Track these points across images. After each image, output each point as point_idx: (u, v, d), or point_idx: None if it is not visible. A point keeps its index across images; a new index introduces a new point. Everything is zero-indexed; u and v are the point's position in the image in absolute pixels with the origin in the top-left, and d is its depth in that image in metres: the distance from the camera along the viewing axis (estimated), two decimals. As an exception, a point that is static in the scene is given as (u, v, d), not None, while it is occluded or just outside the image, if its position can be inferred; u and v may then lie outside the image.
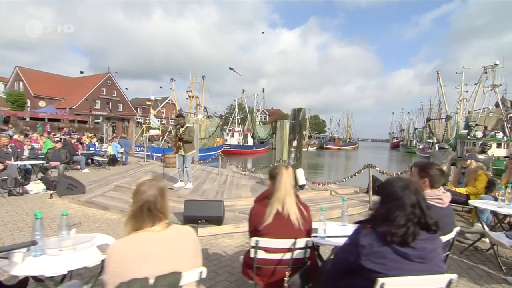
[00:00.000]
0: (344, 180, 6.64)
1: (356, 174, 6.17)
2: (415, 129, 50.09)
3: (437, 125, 29.13)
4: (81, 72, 47.96)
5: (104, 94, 43.48)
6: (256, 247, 1.82)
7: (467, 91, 26.16)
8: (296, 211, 1.83)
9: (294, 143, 6.81)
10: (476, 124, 21.61)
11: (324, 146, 58.99)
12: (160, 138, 31.19)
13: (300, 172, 6.47)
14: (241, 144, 38.42)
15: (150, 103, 27.69)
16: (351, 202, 5.42)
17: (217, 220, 4.02)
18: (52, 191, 5.75)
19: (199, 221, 4.00)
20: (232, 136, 38.66)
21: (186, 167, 6.15)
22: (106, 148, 11.16)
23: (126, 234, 1.27)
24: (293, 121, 6.80)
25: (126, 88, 47.00)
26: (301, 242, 1.82)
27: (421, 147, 45.01)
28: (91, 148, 10.84)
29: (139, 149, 17.29)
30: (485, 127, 21.52)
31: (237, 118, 41.54)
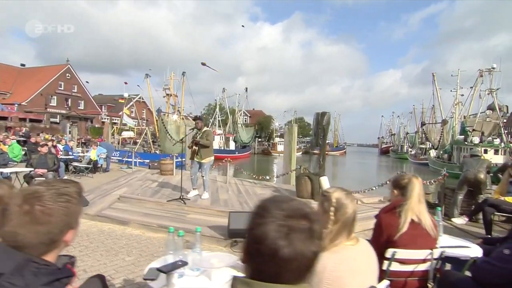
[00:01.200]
0: (374, 188, 6.95)
1: (388, 182, 6.47)
2: (407, 133, 52.85)
3: (432, 130, 30.89)
4: (23, 65, 43.78)
5: (62, 89, 41.33)
6: (391, 259, 1.94)
7: (462, 95, 28.20)
8: (429, 220, 1.98)
9: (317, 150, 6.97)
10: (474, 130, 23.27)
11: (311, 151, 60.23)
12: (132, 141, 30.42)
13: (325, 180, 6.66)
14: (222, 148, 38.26)
15: (123, 101, 26.83)
16: (376, 213, 5.65)
17: (265, 234, 4.08)
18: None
19: (246, 235, 4.03)
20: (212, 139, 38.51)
21: (203, 176, 6.18)
22: (87, 152, 10.71)
23: (326, 248, 1.35)
24: (317, 126, 6.98)
25: (86, 82, 44.75)
26: (436, 252, 1.98)
27: (413, 153, 47.62)
28: (69, 153, 10.35)
29: (116, 154, 16.69)
30: (482, 133, 23.25)
31: (218, 120, 41.34)
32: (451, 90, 29.34)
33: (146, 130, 24.77)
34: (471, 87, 27.12)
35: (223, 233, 4.26)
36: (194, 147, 5.98)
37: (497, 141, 22.30)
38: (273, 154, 51.59)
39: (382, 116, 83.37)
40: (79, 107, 42.79)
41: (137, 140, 30.30)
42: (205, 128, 6.29)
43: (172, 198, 5.89)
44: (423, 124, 32.17)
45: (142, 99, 44.90)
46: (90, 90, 45.55)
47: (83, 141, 25.62)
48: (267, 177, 8.80)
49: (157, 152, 24.03)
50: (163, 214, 5.20)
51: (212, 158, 6.28)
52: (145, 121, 34.67)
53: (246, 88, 50.30)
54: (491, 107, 33.00)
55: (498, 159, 21.61)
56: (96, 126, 40.34)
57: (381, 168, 40.14)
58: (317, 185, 6.57)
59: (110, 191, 6.97)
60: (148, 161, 13.05)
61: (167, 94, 28.79)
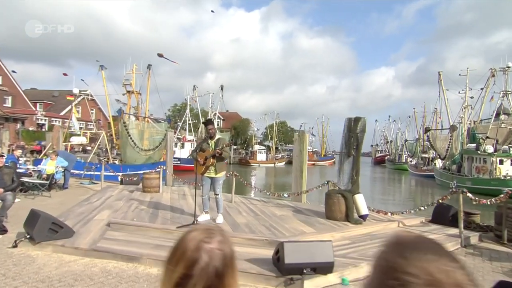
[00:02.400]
0: (422, 208, 7.07)
1: (440, 201, 6.61)
2: (405, 141, 55.03)
3: (438, 137, 32.41)
4: None
5: (-18, 81, 38.67)
6: None
7: (472, 97, 29.94)
8: None
9: (348, 162, 7.00)
10: (487, 137, 24.69)
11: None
12: (81, 149, 28.98)
13: (361, 199, 6.70)
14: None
15: (71, 98, 25.53)
16: (433, 238, 5.76)
17: (328, 268, 3.97)
18: (20, 238, 4.94)
19: (304, 270, 3.88)
20: (183, 147, 37.90)
21: (216, 194, 6.05)
22: (41, 164, 9.98)
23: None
24: (348, 134, 7.02)
25: (13, 71, 41.75)
26: None
27: (413, 163, 49.76)
28: (17, 165, 9.58)
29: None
30: (497, 140, 24.72)
31: (188, 123, 40.67)
32: (459, 92, 31.11)
33: (103, 135, 23.70)
34: (482, 89, 28.87)
35: (271, 268, 4.07)
36: (212, 159, 5.77)
37: (514, 150, 23.70)
38: (252, 164, 52.02)
39: (376, 120, 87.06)
40: (5, 104, 40.10)
41: (88, 147, 29.01)
42: (218, 135, 6.14)
43: (183, 224, 5.60)
44: (427, 130, 33.54)
45: (91, 96, 43.14)
46: (19, 82, 42.80)
47: (13, 148, 24.03)
48: (285, 194, 8.70)
49: (116, 162, 23.11)
50: (177, 245, 4.88)
51: (225, 171, 6.18)
52: (94, 124, 33.19)
53: (222, 86, 49.76)
54: (499, 112, 35.35)
55: (516, 171, 23.01)
56: (30, 129, 38.03)
57: (377, 181, 41.56)
58: (352, 204, 6.58)
59: (89, 215, 6.58)
60: (120, 175, 12.49)
61: (128, 92, 27.94)
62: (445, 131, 32.82)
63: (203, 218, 6.06)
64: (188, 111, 41.99)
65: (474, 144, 27.13)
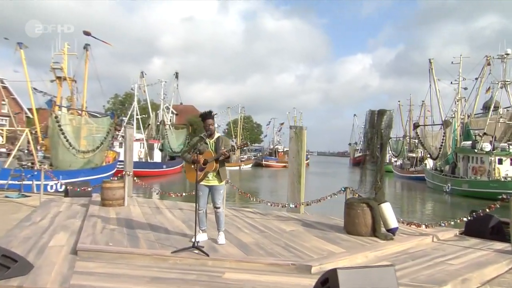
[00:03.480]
0: (465, 220, 7.06)
1: (489, 210, 6.64)
2: (389, 138, 57.28)
3: (428, 134, 33.90)
4: None
5: None
6: None
7: (465, 88, 31.65)
8: None
9: (371, 165, 6.94)
10: (485, 133, 26.15)
11: (264, 162, 61.47)
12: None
13: (389, 209, 6.63)
14: (144, 160, 36.48)
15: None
16: (480, 255, 5.78)
17: (392, 300, 3.72)
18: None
19: (365, 305, 3.62)
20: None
21: (217, 207, 5.76)
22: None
23: None
24: (371, 130, 6.91)
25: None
26: None
27: (398, 163, 51.98)
28: None
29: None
30: (494, 137, 26.23)
31: (136, 119, 39.15)
32: (451, 82, 32.78)
33: (27, 133, 22.09)
34: (476, 78, 30.57)
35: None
36: (215, 164, 5.48)
37: (514, 148, 25.21)
38: None
39: (355, 115, 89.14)
40: None
41: (2, 149, 26.87)
42: (218, 134, 5.89)
43: (178, 247, 5.12)
44: (416, 125, 34.92)
45: (2, 83, 40.04)
46: None
47: None
48: (291, 205, 8.47)
49: (46, 167, 21.61)
50: (180, 275, 4.44)
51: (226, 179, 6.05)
52: (14, 118, 30.82)
53: (177, 74, 48.74)
54: (489, 105, 37.58)
55: (517, 172, 24.54)
56: None
57: (356, 185, 42.54)
58: (379, 216, 6.48)
59: (39, 240, 5.92)
60: (64, 182, 11.67)
61: (58, 78, 26.24)
62: (436, 127, 34.41)
63: (201, 238, 5.69)
64: (135, 103, 40.28)
65: (470, 142, 28.58)
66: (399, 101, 56.19)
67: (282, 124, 72.02)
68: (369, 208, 6.48)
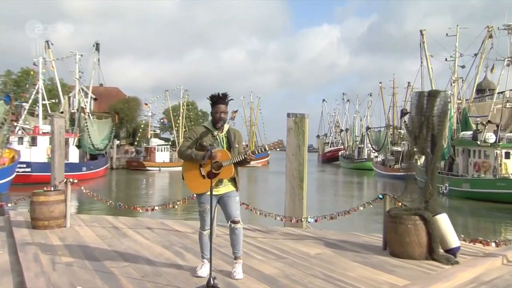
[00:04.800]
0: None
1: None
2: (367, 129, 58.76)
3: (418, 123, 34.94)
4: None
5: None
6: None
7: (463, 67, 32.72)
8: None
9: (420, 164, 6.59)
10: (489, 121, 27.12)
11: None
12: None
13: (446, 222, 6.35)
14: (56, 161, 34.57)
15: None
16: None
17: None
18: None
19: None
20: (34, 143, 34.83)
21: (235, 221, 5.14)
22: None
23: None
24: (419, 118, 6.71)
25: None
26: None
27: (379, 159, 53.43)
28: None
29: None
30: (498, 126, 27.25)
31: (43, 104, 36.79)
32: (446, 59, 33.79)
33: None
34: (475, 54, 31.65)
35: None
36: (232, 168, 5.00)
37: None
38: (148, 168, 50.77)
39: (324, 100, 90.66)
40: None
41: None
42: (227, 125, 5.28)
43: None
44: (404, 112, 35.69)
45: None
46: None
47: None
48: (309, 219, 7.99)
49: None
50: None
51: None
52: None
53: (97, 45, 46.36)
54: (483, 87, 39.10)
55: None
56: None
57: (327, 187, 43.32)
58: (437, 231, 6.16)
59: None
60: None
61: None
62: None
63: (203, 272, 5.10)
64: (41, 83, 37.61)
65: (470, 132, 29.51)
66: (380, 83, 57.84)
67: (235, 112, 71.79)
68: (424, 221, 6.10)
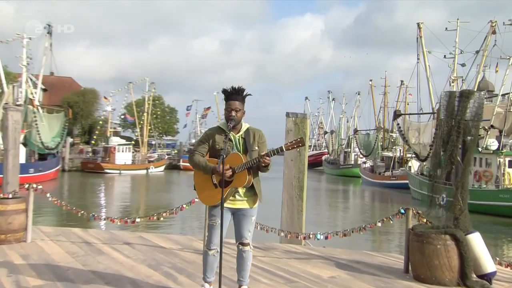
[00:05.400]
0: None
1: None
2: (355, 131, 59.22)
3: (413, 126, 35.21)
4: None
5: None
6: None
7: (463, 65, 33.14)
8: None
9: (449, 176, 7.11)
10: (491, 126, 27.48)
11: (182, 163, 60.39)
12: None
13: (480, 243, 6.29)
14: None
15: None
16: None
17: None
18: None
19: None
20: None
21: (245, 243, 5.02)
22: None
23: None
24: (449, 122, 6.84)
25: None
26: None
27: (367, 165, 53.90)
28: None
29: None
30: (500, 131, 27.65)
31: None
32: (445, 56, 34.18)
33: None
34: (477, 52, 32.08)
35: None
36: (247, 174, 4.71)
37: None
38: (107, 170, 50.59)
39: (307, 99, 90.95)
40: None
41: None
42: (246, 124, 5.08)
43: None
44: (398, 114, 35.93)
45: None
46: None
47: None
48: (318, 235, 7.77)
49: None
50: None
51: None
52: None
53: (49, 26, 45.15)
54: (480, 88, 39.79)
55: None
56: None
57: (308, 197, 43.24)
58: (469, 253, 6.03)
59: None
60: None
61: None
62: (424, 117, 35.74)
63: None
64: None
65: (470, 138, 29.98)
66: (370, 81, 58.41)
67: (208, 109, 71.34)
68: (455, 241, 5.97)
